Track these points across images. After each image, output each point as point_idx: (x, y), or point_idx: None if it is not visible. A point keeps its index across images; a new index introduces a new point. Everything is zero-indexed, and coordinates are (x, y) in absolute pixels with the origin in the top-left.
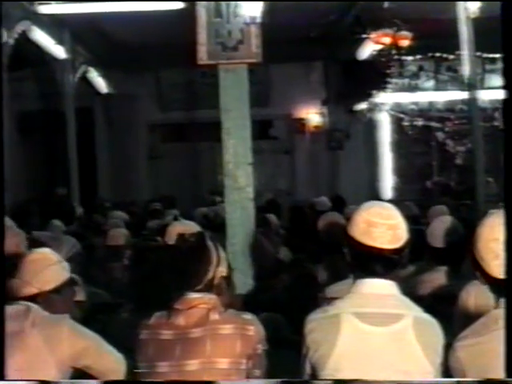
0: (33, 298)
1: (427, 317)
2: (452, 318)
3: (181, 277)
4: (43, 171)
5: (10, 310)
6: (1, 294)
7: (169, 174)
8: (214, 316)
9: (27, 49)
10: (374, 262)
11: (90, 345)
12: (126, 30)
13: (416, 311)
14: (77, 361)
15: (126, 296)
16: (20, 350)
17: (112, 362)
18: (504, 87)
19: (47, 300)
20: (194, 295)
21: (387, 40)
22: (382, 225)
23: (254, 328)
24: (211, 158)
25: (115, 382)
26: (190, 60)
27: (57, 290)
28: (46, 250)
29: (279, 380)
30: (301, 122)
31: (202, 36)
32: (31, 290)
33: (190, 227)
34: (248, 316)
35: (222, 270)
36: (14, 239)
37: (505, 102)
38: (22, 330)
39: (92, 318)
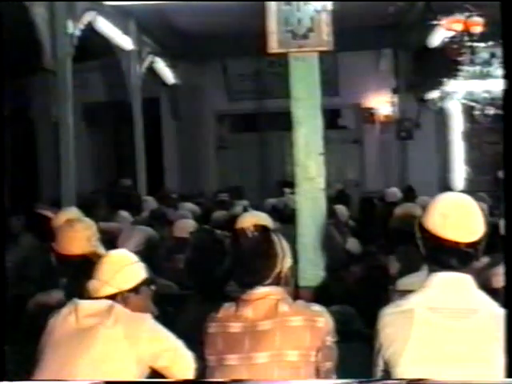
0: (112, 298)
1: (502, 311)
2: None
3: (249, 272)
4: (110, 162)
5: (92, 305)
6: (1, 294)
7: (236, 165)
8: (283, 308)
9: (93, 40)
10: (449, 256)
11: (169, 346)
12: (193, 20)
13: (491, 305)
14: (155, 361)
15: (193, 288)
16: (99, 344)
17: (186, 363)
18: (504, 86)
19: (125, 299)
20: (262, 289)
21: (459, 26)
22: (458, 217)
23: (323, 320)
24: (280, 148)
25: (116, 383)
26: (259, 49)
27: (134, 290)
28: (123, 251)
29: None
30: (370, 112)
31: (272, 24)
32: (110, 289)
33: (260, 218)
34: (317, 308)
35: (288, 262)
36: (86, 232)
37: (505, 101)
38: (102, 325)
39: (160, 309)
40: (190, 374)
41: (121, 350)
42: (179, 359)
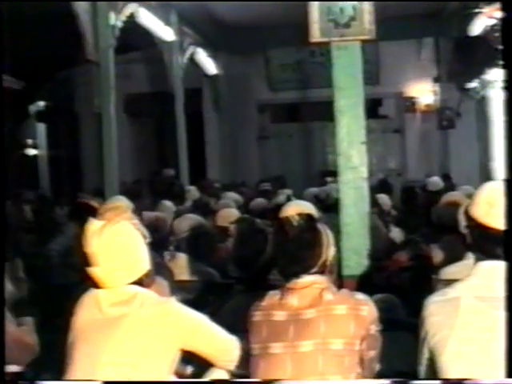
0: (134, 284)
1: None
2: None
3: (294, 261)
4: (152, 152)
5: (115, 294)
6: (1, 293)
7: (278, 155)
8: (328, 296)
9: (135, 31)
10: (494, 244)
11: (198, 326)
12: (235, 10)
13: None
14: (185, 342)
15: (236, 277)
16: (127, 332)
17: (223, 344)
18: (504, 86)
19: (145, 283)
20: (307, 277)
21: (500, 14)
22: (504, 206)
23: (367, 308)
24: (321, 137)
25: (116, 383)
26: (301, 39)
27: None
28: (137, 234)
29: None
30: (411, 101)
31: (314, 14)
32: (131, 275)
33: (304, 207)
34: (361, 296)
35: (332, 251)
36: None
37: (506, 100)
38: (128, 312)
39: (203, 298)
40: (233, 355)
41: (150, 336)
42: (213, 339)
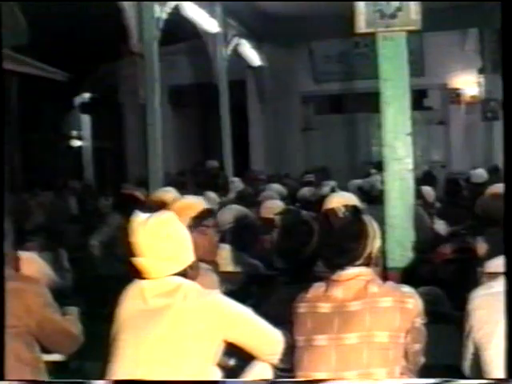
0: (177, 275)
1: None
2: None
3: (339, 253)
4: (196, 144)
5: (159, 284)
6: (0, 292)
7: (322, 146)
8: (373, 289)
9: (180, 23)
10: None
11: (241, 319)
12: (278, 2)
13: None
14: (228, 335)
15: (281, 268)
16: (171, 323)
17: (267, 337)
18: (504, 86)
19: (190, 275)
20: (352, 269)
21: None
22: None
23: (413, 301)
24: (365, 128)
25: (118, 382)
26: (345, 30)
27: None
28: (181, 225)
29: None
30: (456, 92)
31: (360, 4)
32: (176, 266)
33: (349, 199)
34: (407, 289)
35: (378, 243)
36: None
37: (505, 100)
38: (172, 303)
39: (247, 289)
40: (275, 350)
41: (193, 327)
42: (255, 331)
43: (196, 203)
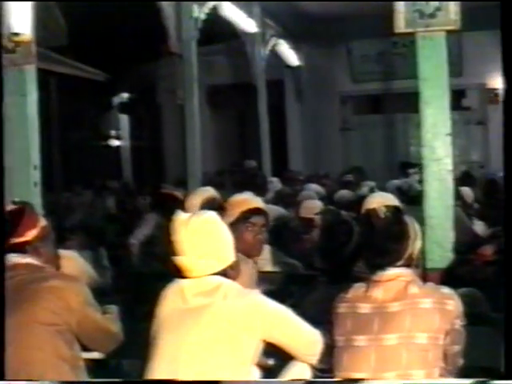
0: (217, 274)
1: None
2: None
3: (380, 253)
4: (234, 144)
5: (199, 284)
6: (0, 291)
7: (360, 146)
8: (413, 290)
9: (218, 23)
10: None
11: (281, 319)
12: (316, 2)
13: None
14: (268, 335)
15: (320, 268)
16: (210, 322)
17: (306, 337)
18: (504, 86)
19: (229, 274)
20: (393, 270)
21: None
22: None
23: (452, 302)
24: (404, 128)
25: (119, 382)
26: (384, 30)
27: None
28: (223, 225)
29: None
30: (494, 92)
31: (400, 4)
32: (217, 266)
33: (388, 199)
34: (447, 290)
35: (418, 244)
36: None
37: (505, 100)
38: (212, 303)
39: (286, 289)
40: (314, 350)
41: (232, 327)
42: (295, 332)
43: (248, 200)
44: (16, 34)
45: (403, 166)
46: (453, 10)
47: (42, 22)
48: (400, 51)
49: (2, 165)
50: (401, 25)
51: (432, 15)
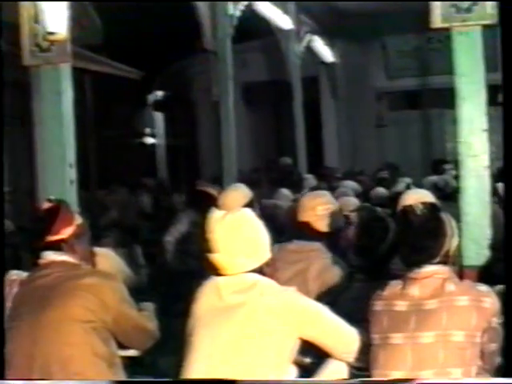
0: (252, 272)
1: None
2: None
3: (417, 250)
4: (270, 141)
5: (235, 281)
6: (1, 290)
7: (396, 143)
8: (450, 287)
9: (253, 20)
10: None
11: (317, 316)
12: None
13: None
14: (304, 332)
15: (356, 266)
16: (247, 320)
17: (343, 335)
18: (504, 86)
19: (265, 272)
20: (430, 267)
21: None
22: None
23: (490, 300)
24: (440, 125)
25: (121, 382)
26: (419, 25)
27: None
28: (258, 222)
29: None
30: None
31: None
32: (253, 263)
33: (425, 196)
34: (484, 288)
35: (455, 241)
36: None
37: (505, 101)
38: (248, 300)
39: None
40: (351, 348)
41: (269, 324)
42: (331, 329)
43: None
44: (51, 33)
45: (438, 163)
46: (489, 4)
47: (77, 20)
48: (435, 46)
49: (1, 164)
50: (437, 20)
51: (468, 10)
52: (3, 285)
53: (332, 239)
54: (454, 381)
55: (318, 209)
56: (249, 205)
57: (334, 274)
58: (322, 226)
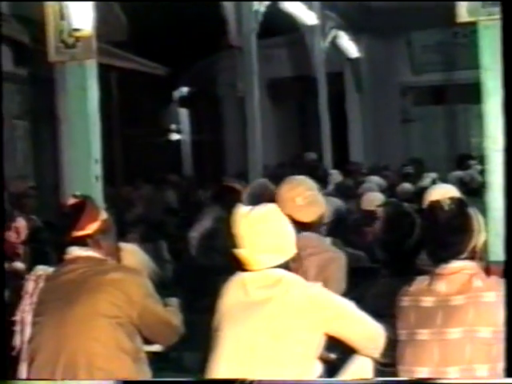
0: (278, 267)
1: None
2: None
3: (444, 246)
4: (295, 136)
5: (261, 276)
6: (1, 290)
7: (421, 138)
8: (477, 283)
9: (278, 16)
10: None
11: (344, 312)
12: None
13: None
14: (330, 328)
15: (383, 261)
16: (273, 315)
17: (369, 331)
18: (504, 86)
19: (290, 267)
20: (457, 263)
21: None
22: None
23: None
24: (465, 119)
25: (125, 382)
26: (444, 19)
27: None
28: (283, 218)
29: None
30: None
31: None
32: (279, 258)
33: (451, 191)
34: None
35: (482, 236)
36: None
37: (505, 101)
38: (275, 296)
39: (349, 282)
40: (377, 344)
41: (295, 320)
42: (357, 325)
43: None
44: (77, 30)
45: (463, 158)
46: None
47: (102, 17)
48: (461, 41)
49: (1, 163)
50: (463, 14)
51: (495, 3)
52: (3, 285)
53: (357, 235)
54: (454, 381)
55: (297, 200)
56: (273, 200)
57: (336, 266)
58: (306, 216)
